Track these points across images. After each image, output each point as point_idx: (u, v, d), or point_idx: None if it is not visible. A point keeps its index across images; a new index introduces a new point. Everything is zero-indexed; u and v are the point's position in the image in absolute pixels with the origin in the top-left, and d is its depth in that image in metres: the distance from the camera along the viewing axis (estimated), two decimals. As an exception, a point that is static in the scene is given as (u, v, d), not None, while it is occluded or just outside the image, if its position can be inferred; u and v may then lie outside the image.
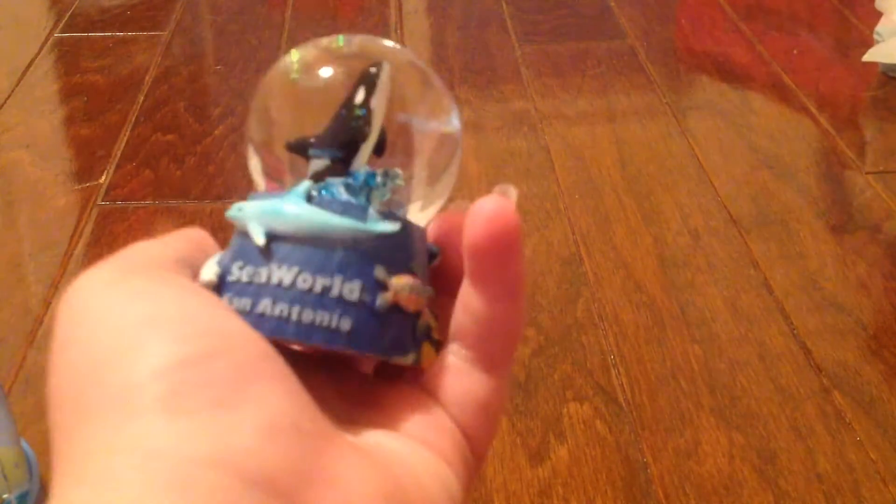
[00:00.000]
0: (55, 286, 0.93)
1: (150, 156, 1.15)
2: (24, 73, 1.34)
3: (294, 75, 0.29)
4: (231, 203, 0.27)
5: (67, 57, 1.39)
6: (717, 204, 1.06)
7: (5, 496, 0.64)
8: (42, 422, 0.77)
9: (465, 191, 1.08)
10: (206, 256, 0.26)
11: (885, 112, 1.25)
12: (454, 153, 0.29)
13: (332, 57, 0.29)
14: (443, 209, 0.29)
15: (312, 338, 0.24)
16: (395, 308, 0.25)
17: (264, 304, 0.24)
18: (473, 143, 1.18)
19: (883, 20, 1.36)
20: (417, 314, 0.26)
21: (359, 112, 0.27)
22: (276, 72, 0.29)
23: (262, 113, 0.29)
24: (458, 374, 0.26)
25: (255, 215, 0.25)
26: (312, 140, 0.27)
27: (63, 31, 1.46)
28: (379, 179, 0.27)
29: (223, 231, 0.98)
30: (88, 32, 1.46)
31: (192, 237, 0.27)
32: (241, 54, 1.40)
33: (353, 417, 0.25)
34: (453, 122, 0.29)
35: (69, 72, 1.35)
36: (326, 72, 0.28)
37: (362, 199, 0.26)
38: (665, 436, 0.77)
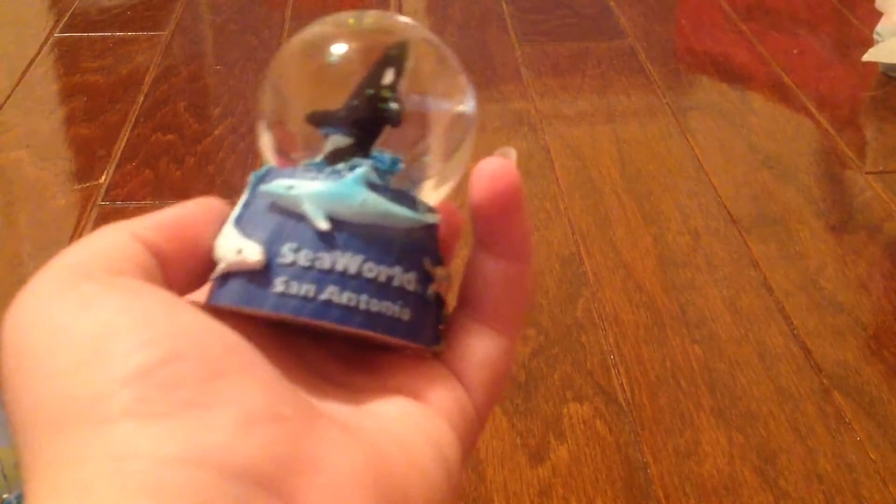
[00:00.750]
0: (55, 286, 0.92)
1: (150, 156, 1.15)
2: (24, 73, 1.34)
3: (308, 50, 0.28)
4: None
5: (67, 57, 1.39)
6: (717, 204, 1.06)
7: (5, 496, 0.64)
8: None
9: (465, 191, 1.08)
10: (181, 238, 0.24)
11: (885, 112, 1.25)
12: (469, 132, 0.29)
13: (347, 32, 0.28)
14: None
15: (377, 328, 0.24)
16: (437, 298, 0.26)
17: (330, 292, 0.24)
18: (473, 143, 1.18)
19: (883, 20, 1.36)
20: (444, 303, 0.26)
21: (387, 94, 0.26)
22: (291, 47, 0.28)
23: (276, 89, 0.28)
24: (468, 334, 0.26)
25: (311, 198, 0.24)
26: (333, 114, 0.26)
27: (63, 31, 1.46)
28: (402, 165, 0.26)
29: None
30: (88, 32, 1.46)
31: (140, 228, 0.24)
32: (241, 54, 1.40)
33: (349, 380, 0.25)
34: (468, 102, 0.28)
35: (69, 72, 1.35)
36: (342, 48, 0.27)
37: (407, 186, 0.26)
38: (665, 436, 0.77)
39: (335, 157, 0.26)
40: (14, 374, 0.21)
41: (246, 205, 0.25)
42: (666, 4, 1.57)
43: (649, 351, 0.85)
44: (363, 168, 0.25)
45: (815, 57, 1.40)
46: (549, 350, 0.85)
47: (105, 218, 1.02)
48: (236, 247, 0.24)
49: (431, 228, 0.26)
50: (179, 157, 1.15)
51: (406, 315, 0.25)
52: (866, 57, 1.30)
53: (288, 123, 0.28)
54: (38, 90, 1.30)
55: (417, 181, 0.27)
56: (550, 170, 1.12)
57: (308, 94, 0.28)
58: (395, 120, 0.26)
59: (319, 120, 0.26)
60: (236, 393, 0.20)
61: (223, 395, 0.20)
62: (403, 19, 0.28)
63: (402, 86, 0.26)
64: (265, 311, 0.24)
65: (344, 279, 0.24)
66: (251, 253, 0.24)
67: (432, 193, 0.28)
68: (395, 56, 0.27)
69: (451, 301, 0.27)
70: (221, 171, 1.11)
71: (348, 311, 0.24)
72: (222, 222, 0.25)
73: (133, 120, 1.23)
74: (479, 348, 0.26)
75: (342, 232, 0.24)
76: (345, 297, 0.24)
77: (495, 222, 0.26)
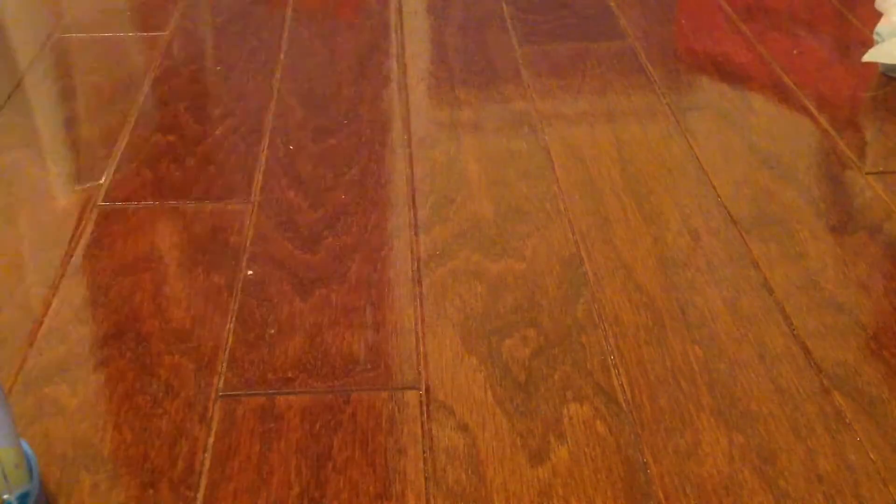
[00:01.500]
0: (55, 286, 0.93)
1: (151, 156, 1.15)
2: (24, 73, 1.34)
3: None
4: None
5: (67, 57, 1.39)
6: (717, 204, 1.06)
7: (5, 496, 0.64)
8: (42, 422, 0.77)
9: (465, 191, 1.08)
10: None
11: (885, 112, 1.25)
12: None
13: None
14: None
15: None
16: None
17: None
18: (473, 143, 1.18)
19: (883, 20, 1.36)
20: None
21: None
22: None
23: None
24: None
25: None
26: None
27: (63, 31, 1.46)
28: None
29: (223, 231, 0.98)
30: (88, 32, 1.46)
31: None
32: (241, 55, 1.40)
33: None
34: None
35: (69, 72, 1.35)
36: None
37: None
38: (665, 436, 0.77)
39: None
40: None
41: None
42: (666, 5, 1.57)
43: (649, 351, 0.85)
44: None
45: (815, 57, 1.40)
46: (550, 350, 0.85)
47: (105, 219, 1.03)
48: None
49: None
50: (180, 157, 1.15)
51: None
52: (866, 57, 1.30)
53: None
54: (38, 90, 1.30)
55: None
56: (550, 170, 1.12)
57: None
58: None
59: None
60: None
61: None
62: None
63: None
64: None
65: None
66: None
67: None
68: None
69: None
70: (222, 171, 1.11)
71: None
72: None
73: (133, 121, 1.23)
74: None
75: None
76: None
77: None
